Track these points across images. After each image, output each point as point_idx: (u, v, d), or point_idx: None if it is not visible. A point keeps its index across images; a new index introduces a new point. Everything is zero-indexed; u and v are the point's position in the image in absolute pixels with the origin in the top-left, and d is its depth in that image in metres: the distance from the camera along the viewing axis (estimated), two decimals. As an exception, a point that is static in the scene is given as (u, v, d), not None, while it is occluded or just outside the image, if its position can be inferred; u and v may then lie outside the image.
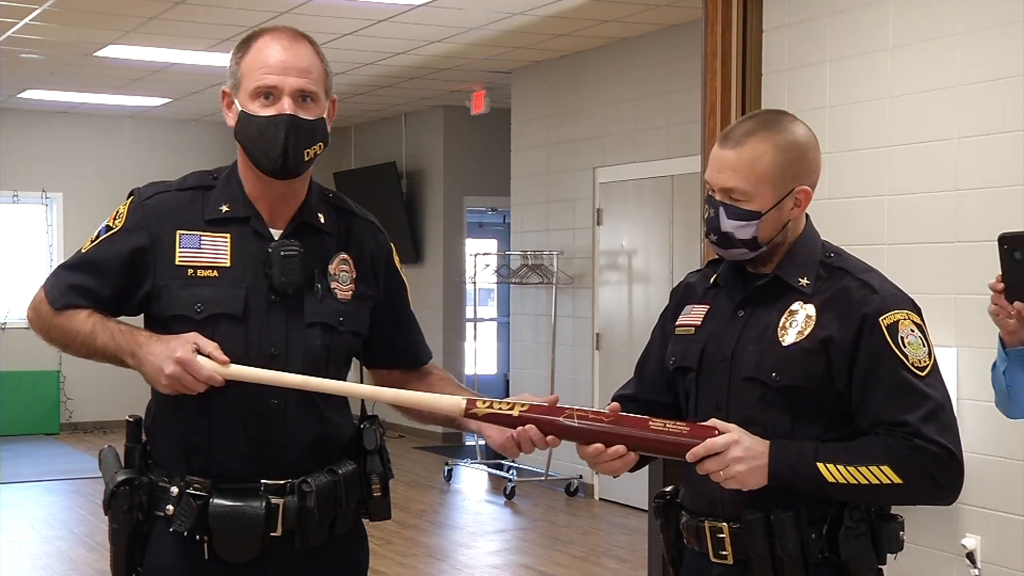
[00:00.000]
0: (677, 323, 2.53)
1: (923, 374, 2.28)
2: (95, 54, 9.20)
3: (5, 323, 12.21)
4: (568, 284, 9.36)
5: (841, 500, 2.30)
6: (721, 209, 2.35)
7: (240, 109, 2.40)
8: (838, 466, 2.25)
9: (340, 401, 2.51)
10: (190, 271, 2.41)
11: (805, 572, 2.30)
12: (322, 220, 2.50)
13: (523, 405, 2.32)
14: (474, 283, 10.64)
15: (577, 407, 2.33)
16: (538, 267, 9.60)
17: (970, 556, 4.70)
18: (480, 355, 10.98)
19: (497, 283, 11.71)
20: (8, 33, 8.40)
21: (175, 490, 2.37)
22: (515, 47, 9.05)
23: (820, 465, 2.25)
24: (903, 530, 2.38)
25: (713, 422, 2.31)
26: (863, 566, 2.31)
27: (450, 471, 9.84)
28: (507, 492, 9.08)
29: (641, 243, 8.76)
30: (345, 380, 2.48)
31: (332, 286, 2.47)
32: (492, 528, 8.27)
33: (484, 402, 2.32)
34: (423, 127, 12.11)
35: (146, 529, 2.42)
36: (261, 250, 2.42)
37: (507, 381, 10.70)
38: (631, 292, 8.89)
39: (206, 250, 2.42)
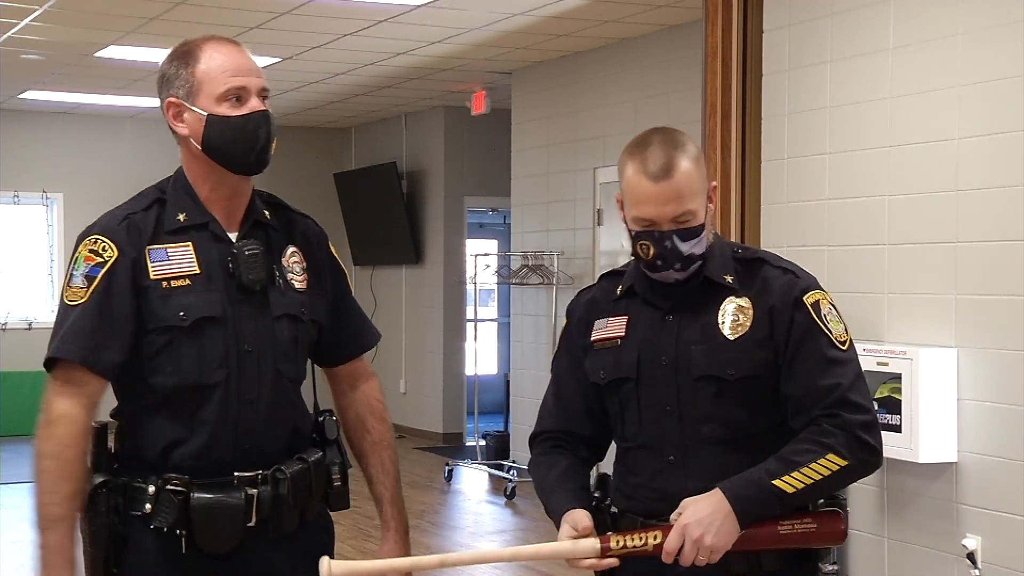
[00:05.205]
0: (595, 338, 2.56)
1: (844, 348, 2.43)
2: (95, 55, 9.21)
3: (6, 323, 12.21)
4: (568, 284, 9.36)
5: (805, 503, 2.38)
6: (675, 237, 2.40)
7: (204, 114, 2.46)
8: (791, 475, 2.33)
9: (300, 393, 2.61)
10: (164, 283, 2.47)
11: (782, 556, 2.40)
12: (268, 217, 2.60)
13: (654, 536, 2.35)
14: (474, 283, 10.64)
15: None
16: (538, 267, 9.60)
17: (970, 556, 4.70)
18: (480, 355, 10.97)
19: (497, 283, 11.71)
20: (8, 34, 8.40)
21: (152, 488, 2.44)
22: (515, 47, 9.05)
23: (776, 483, 2.33)
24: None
25: (674, 515, 2.35)
26: (827, 550, 2.48)
27: (450, 471, 9.84)
28: (508, 492, 9.08)
29: (641, 243, 8.75)
30: (305, 371, 2.60)
31: (289, 278, 2.57)
32: (493, 528, 8.27)
33: (618, 542, 2.37)
34: (423, 127, 12.10)
35: (122, 531, 2.48)
36: (223, 252, 2.50)
37: (507, 381, 10.70)
38: (631, 292, 8.88)
39: (174, 260, 2.49)
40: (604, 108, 9.03)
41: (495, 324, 13.97)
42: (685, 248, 2.41)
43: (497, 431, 10.85)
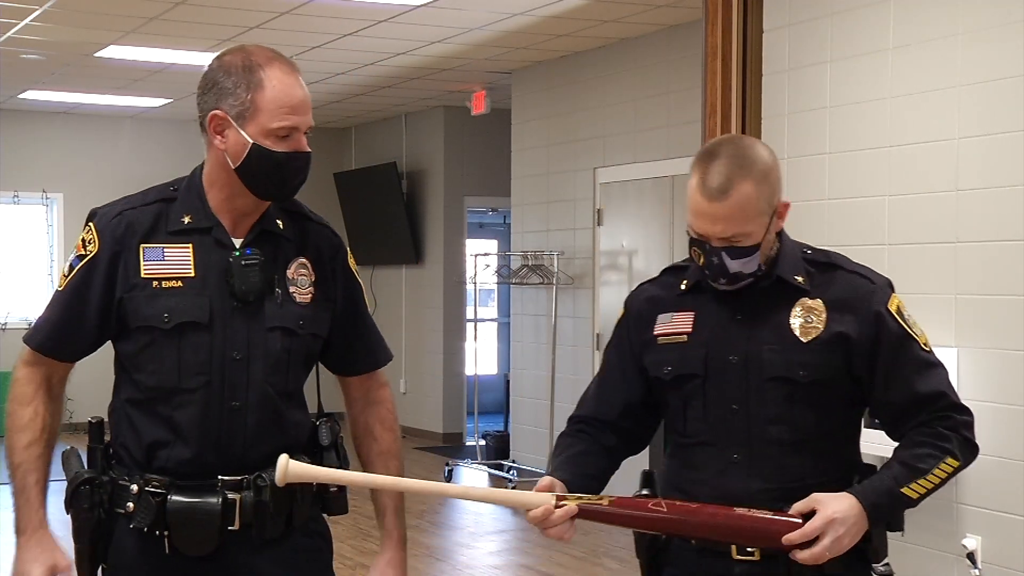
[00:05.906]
0: (658, 332, 2.53)
1: (928, 349, 2.44)
2: (95, 54, 9.21)
3: (6, 323, 12.20)
4: (568, 284, 9.36)
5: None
6: (723, 254, 2.39)
7: (251, 141, 2.43)
8: (917, 482, 2.36)
9: (299, 400, 2.60)
10: (155, 283, 2.48)
11: (840, 559, 2.36)
12: (281, 226, 2.57)
13: (612, 496, 2.38)
14: (474, 283, 10.64)
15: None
16: (538, 267, 9.60)
17: (971, 556, 4.70)
18: (480, 355, 10.97)
19: (497, 283, 11.71)
20: (8, 33, 8.40)
21: (135, 488, 2.46)
22: (515, 47, 9.06)
23: (904, 490, 2.35)
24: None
25: (797, 507, 2.33)
26: (883, 549, 2.45)
27: (450, 471, 9.84)
28: (507, 492, 9.08)
29: (641, 243, 8.76)
30: (304, 381, 2.60)
31: (291, 290, 2.54)
32: (493, 528, 8.26)
33: (575, 497, 2.37)
34: (423, 127, 12.11)
35: (109, 527, 2.50)
36: (223, 258, 2.49)
37: (507, 381, 10.70)
38: (631, 292, 8.87)
39: (169, 261, 2.49)
40: (604, 108, 9.03)
41: (495, 324, 13.97)
42: (733, 266, 2.39)
43: (497, 431, 10.85)
